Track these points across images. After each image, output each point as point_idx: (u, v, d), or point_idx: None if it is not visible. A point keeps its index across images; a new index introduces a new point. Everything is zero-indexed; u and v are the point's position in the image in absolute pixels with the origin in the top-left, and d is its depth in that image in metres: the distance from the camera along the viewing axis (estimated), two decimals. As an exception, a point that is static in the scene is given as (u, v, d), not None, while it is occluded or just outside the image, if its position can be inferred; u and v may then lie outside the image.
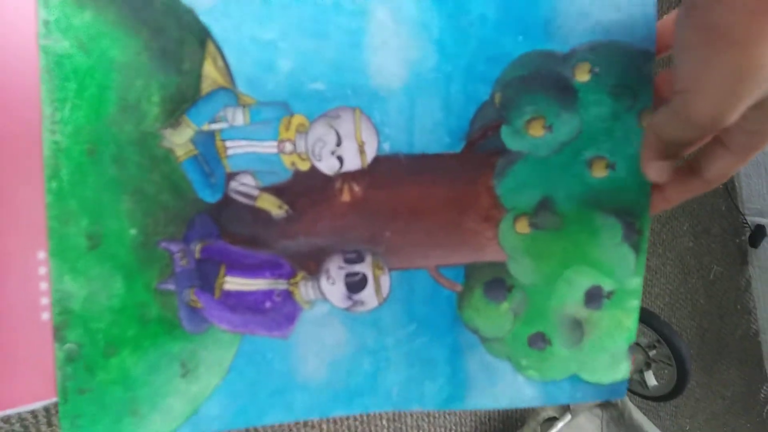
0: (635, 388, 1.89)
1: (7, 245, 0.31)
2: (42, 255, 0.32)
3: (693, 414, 2.47)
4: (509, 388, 0.38)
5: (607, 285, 0.38)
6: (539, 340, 0.38)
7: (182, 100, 0.33)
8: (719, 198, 2.44)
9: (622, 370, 0.39)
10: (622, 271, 0.37)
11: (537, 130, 0.36)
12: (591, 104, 0.36)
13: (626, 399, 1.57)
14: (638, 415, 1.54)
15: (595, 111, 0.36)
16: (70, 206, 0.32)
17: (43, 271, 0.32)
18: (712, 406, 2.58)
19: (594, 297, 0.38)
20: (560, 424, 1.44)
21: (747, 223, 2.53)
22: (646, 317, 1.64)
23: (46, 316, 0.32)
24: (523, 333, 0.38)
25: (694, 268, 2.38)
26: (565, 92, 0.35)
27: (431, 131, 0.35)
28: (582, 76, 0.35)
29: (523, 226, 0.36)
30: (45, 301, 0.32)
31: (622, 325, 0.38)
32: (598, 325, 0.38)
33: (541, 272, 0.37)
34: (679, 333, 1.80)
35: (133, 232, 0.33)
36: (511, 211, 0.36)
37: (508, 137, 0.35)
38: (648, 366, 1.81)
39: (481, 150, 0.35)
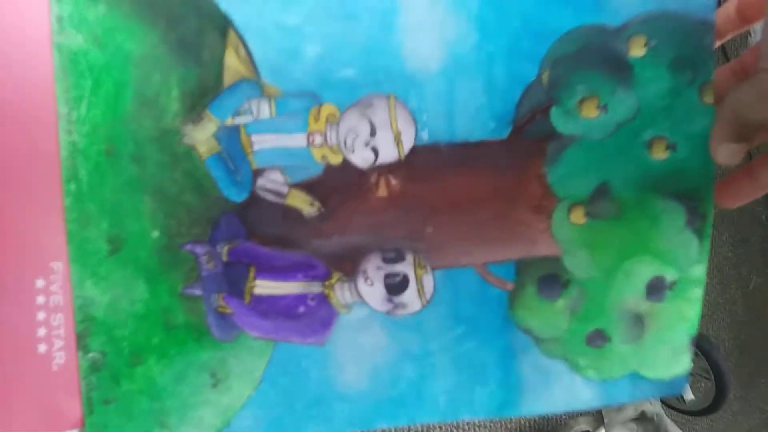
0: (672, 402, 1.85)
1: (4, 275, 0.30)
2: (40, 283, 0.30)
3: (730, 428, 2.43)
4: (565, 391, 0.35)
5: (670, 275, 0.35)
6: (598, 338, 0.35)
7: (203, 94, 0.31)
8: (759, 206, 2.42)
9: (684, 363, 0.36)
10: (686, 259, 0.34)
11: (590, 111, 0.32)
12: (648, 81, 0.33)
13: (662, 413, 1.54)
14: (674, 430, 1.51)
15: (652, 88, 0.33)
16: (89, 209, 0.30)
17: (41, 300, 0.30)
18: (750, 421, 2.54)
19: (656, 288, 0.35)
20: (594, 438, 1.40)
21: None
22: (683, 330, 1.56)
23: (42, 348, 0.30)
24: (581, 331, 0.35)
25: (733, 279, 2.35)
26: (619, 68, 0.32)
27: (474, 117, 0.32)
28: (637, 50, 0.32)
29: (578, 216, 0.33)
30: (42, 332, 0.30)
31: (684, 315, 0.35)
32: (659, 318, 0.35)
33: (598, 265, 0.34)
34: (717, 346, 1.76)
35: (155, 234, 0.31)
36: (565, 200, 0.33)
37: (558, 120, 0.32)
38: None
39: (529, 135, 0.33)
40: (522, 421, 1.55)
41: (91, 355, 0.31)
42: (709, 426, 2.29)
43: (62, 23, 0.30)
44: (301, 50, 0.31)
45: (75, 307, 0.30)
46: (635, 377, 0.35)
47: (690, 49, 0.32)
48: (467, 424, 1.38)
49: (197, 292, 0.32)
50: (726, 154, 0.31)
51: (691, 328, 0.35)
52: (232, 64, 0.31)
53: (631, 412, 1.48)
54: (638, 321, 0.35)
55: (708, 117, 0.33)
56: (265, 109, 0.31)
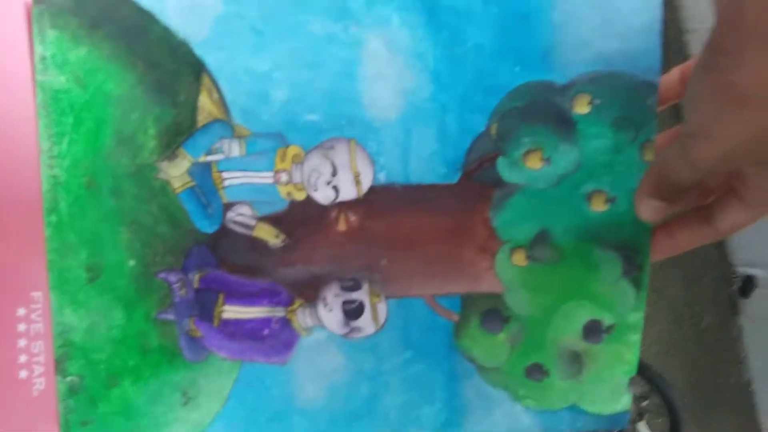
0: None
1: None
2: (22, 312, 0.32)
3: None
4: (507, 417, 0.38)
5: (607, 319, 0.37)
6: (537, 372, 0.37)
7: (178, 133, 0.33)
8: (710, 247, 2.42)
9: (623, 402, 0.38)
10: (623, 306, 0.37)
11: (534, 163, 0.35)
12: (591, 137, 0.35)
13: None
14: None
15: (594, 144, 0.35)
16: (69, 239, 0.32)
17: (22, 328, 0.32)
18: None
19: (593, 331, 0.37)
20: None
21: (736, 273, 2.53)
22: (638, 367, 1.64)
23: (23, 374, 0.32)
24: (521, 364, 0.37)
25: (686, 317, 2.40)
26: (563, 124, 0.35)
27: (427, 161, 0.35)
28: (581, 107, 0.35)
29: (519, 259, 0.36)
30: (23, 359, 0.32)
31: (622, 358, 0.37)
32: (597, 358, 0.37)
33: (538, 305, 0.37)
34: (671, 383, 1.82)
35: (131, 263, 0.33)
36: (508, 243, 0.36)
37: (504, 169, 0.35)
38: (641, 416, 1.83)
39: (477, 181, 0.35)
40: None
41: (69, 378, 0.33)
42: None
43: (45, 63, 0.31)
44: (269, 95, 0.33)
45: (54, 333, 0.32)
46: (575, 410, 0.38)
47: (633, 109, 0.35)
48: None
49: (170, 316, 0.34)
50: (647, 210, 0.33)
51: (630, 370, 0.38)
52: (206, 105, 0.33)
53: None
54: (576, 359, 0.37)
55: None
56: (235, 148, 0.34)
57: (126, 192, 0.33)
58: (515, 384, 0.37)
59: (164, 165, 0.33)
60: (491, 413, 0.38)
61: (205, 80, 0.33)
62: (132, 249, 0.33)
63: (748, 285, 2.47)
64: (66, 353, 0.33)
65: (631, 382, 0.38)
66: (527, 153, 0.35)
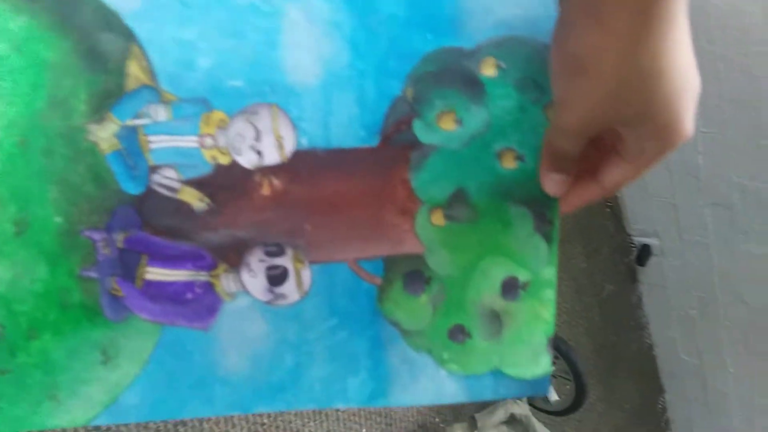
0: (538, 403, 2.00)
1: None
2: None
3: (596, 428, 2.61)
4: (431, 383, 0.37)
5: (522, 275, 0.37)
6: (459, 333, 0.37)
7: (107, 97, 0.35)
8: (607, 220, 2.63)
9: (543, 364, 0.38)
10: (536, 261, 0.37)
11: (448, 124, 0.36)
12: (498, 98, 0.36)
13: (530, 415, 1.66)
14: (542, 429, 1.64)
15: (502, 104, 0.36)
16: (1, 193, 0.34)
17: None
18: (614, 420, 2.73)
19: (510, 287, 0.37)
20: (469, 444, 1.48)
21: (634, 243, 2.74)
22: (542, 334, 1.71)
23: None
24: (443, 325, 0.37)
25: (588, 287, 2.54)
26: (472, 86, 0.36)
27: (347, 126, 0.35)
28: (488, 70, 0.36)
29: (438, 218, 0.36)
30: None
31: (539, 316, 0.38)
32: (516, 317, 0.38)
33: (457, 264, 0.37)
34: (574, 348, 1.91)
35: (58, 220, 0.34)
36: (426, 204, 0.36)
37: (420, 131, 0.36)
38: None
39: (395, 144, 0.36)
40: (402, 431, 1.57)
41: None
42: (577, 426, 2.45)
43: (-13, 32, 0.34)
44: (195, 62, 0.35)
45: (-21, 281, 0.33)
46: (498, 375, 0.38)
47: (536, 72, 0.36)
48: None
49: (93, 274, 0.35)
50: (550, 184, 0.35)
51: (547, 329, 0.38)
52: (134, 72, 0.35)
53: (501, 416, 1.59)
54: (496, 318, 0.37)
55: None
56: (161, 113, 0.35)
57: (56, 152, 0.34)
58: (439, 347, 0.37)
59: (93, 127, 0.35)
60: (416, 381, 0.37)
61: (135, 49, 0.35)
62: (59, 206, 0.34)
63: (644, 254, 2.64)
64: (-11, 303, 0.34)
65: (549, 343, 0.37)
66: (441, 115, 0.36)
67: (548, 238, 0.37)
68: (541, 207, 0.37)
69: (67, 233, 0.35)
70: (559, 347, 1.77)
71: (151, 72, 0.35)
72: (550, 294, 0.38)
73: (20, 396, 0.34)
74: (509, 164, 0.36)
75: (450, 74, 0.36)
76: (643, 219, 2.66)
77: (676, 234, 2.60)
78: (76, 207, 0.35)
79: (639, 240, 2.72)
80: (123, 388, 0.35)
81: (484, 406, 1.72)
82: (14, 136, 0.34)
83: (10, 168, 0.34)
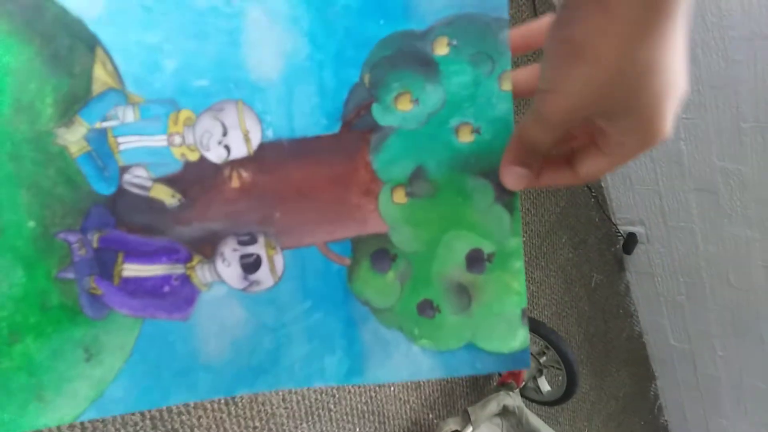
0: (530, 395, 2.02)
1: None
2: None
3: (590, 417, 2.65)
4: (405, 360, 0.39)
5: (487, 247, 0.39)
6: (428, 308, 0.39)
7: (74, 101, 0.35)
8: (592, 210, 2.64)
9: (520, 337, 0.40)
10: (499, 232, 0.39)
11: (405, 105, 0.38)
12: (452, 74, 0.38)
13: (523, 406, 1.70)
14: (535, 420, 1.66)
15: (456, 80, 0.38)
16: (-30, 202, 0.34)
17: None
18: (607, 408, 2.78)
19: (475, 260, 0.39)
20: (462, 436, 1.51)
21: (620, 232, 2.76)
22: (533, 326, 1.78)
23: None
24: (412, 301, 0.39)
25: (576, 278, 2.58)
26: (427, 66, 0.38)
27: (309, 115, 0.38)
28: (441, 49, 0.38)
29: (400, 196, 0.39)
30: None
31: (510, 288, 0.39)
32: (484, 289, 0.39)
33: (421, 239, 0.39)
34: (565, 338, 1.96)
35: (31, 224, 0.35)
36: (388, 183, 0.39)
37: (379, 114, 0.38)
38: (540, 372, 1.96)
39: (356, 129, 0.38)
40: (395, 431, 1.59)
41: None
42: (570, 416, 2.51)
43: (-54, 42, 0.34)
44: (161, 64, 0.36)
45: (-45, 288, 0.34)
46: (473, 349, 0.40)
47: (487, 45, 0.38)
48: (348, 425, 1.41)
49: (70, 275, 0.36)
50: (511, 177, 0.37)
51: (519, 300, 0.40)
52: (100, 76, 0.36)
53: (494, 408, 1.60)
54: (464, 291, 0.40)
55: (507, 103, 0.38)
56: (129, 114, 0.36)
57: (24, 157, 0.35)
58: (409, 323, 0.39)
59: (61, 131, 0.35)
60: (390, 357, 0.39)
61: (99, 53, 0.36)
62: (31, 211, 0.35)
63: (630, 242, 2.67)
64: (-33, 310, 0.34)
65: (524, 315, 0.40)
66: (398, 96, 0.38)
67: (510, 208, 0.39)
68: (499, 177, 0.39)
69: (41, 237, 0.35)
70: (549, 338, 1.79)
71: (117, 75, 0.36)
72: (517, 265, 0.39)
73: (7, 400, 0.34)
74: (466, 138, 0.39)
75: (404, 57, 0.38)
76: (628, 208, 2.68)
77: (662, 221, 2.62)
78: (49, 210, 0.35)
79: (624, 229, 2.75)
80: (108, 383, 0.36)
81: (477, 399, 1.73)
82: None
83: None
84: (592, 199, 2.64)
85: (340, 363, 0.39)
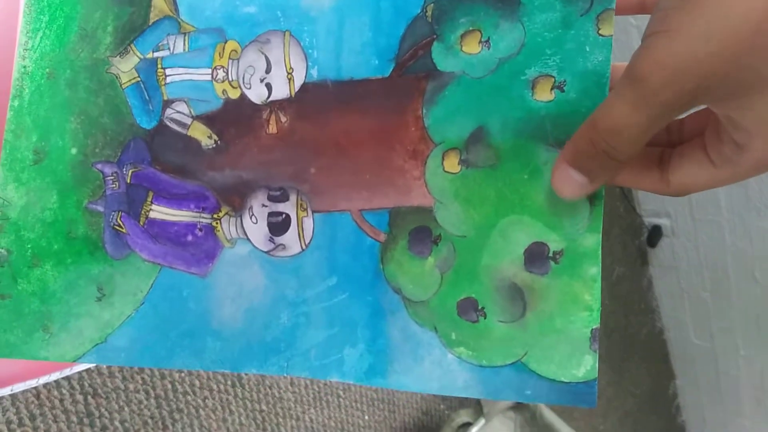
0: None
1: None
2: None
3: (606, 413, 2.49)
4: (437, 369, 0.30)
5: (554, 242, 0.29)
6: (471, 309, 0.30)
7: (132, 30, 0.34)
8: (617, 200, 2.44)
9: (587, 365, 0.28)
10: (573, 224, 0.29)
11: (472, 46, 0.30)
12: (536, 10, 0.29)
13: None
14: (550, 415, 1.52)
15: (541, 18, 0.29)
16: (25, 123, 0.34)
17: None
18: (624, 405, 2.61)
19: (537, 257, 0.29)
20: (474, 430, 1.38)
21: (644, 224, 2.56)
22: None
23: None
24: (452, 297, 0.30)
25: None
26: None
27: (359, 53, 0.31)
28: None
29: (452, 164, 0.30)
30: None
31: (579, 299, 0.28)
32: (545, 296, 0.29)
33: (471, 221, 0.30)
34: None
35: (73, 151, 0.34)
36: (440, 145, 0.30)
37: (439, 56, 0.30)
38: None
39: (410, 73, 0.31)
40: (405, 420, 1.43)
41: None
42: (586, 412, 2.33)
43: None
44: None
45: (-5, 204, 0.34)
46: (522, 369, 0.29)
47: None
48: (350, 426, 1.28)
49: (99, 208, 0.34)
50: (565, 183, 0.26)
51: (591, 318, 0.29)
52: (158, 3, 0.34)
53: (508, 401, 1.36)
54: (517, 295, 0.29)
55: (605, 53, 0.28)
56: (179, 44, 0.34)
57: (80, 84, 0.34)
58: (446, 324, 0.30)
59: (116, 60, 0.34)
60: (420, 363, 0.30)
61: (161, -20, 0.34)
62: (76, 138, 0.34)
63: (654, 235, 2.50)
64: (1, 226, 0.34)
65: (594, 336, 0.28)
66: (464, 35, 0.30)
67: (591, 195, 0.28)
68: None
69: (80, 165, 0.34)
70: None
71: (173, 2, 0.34)
72: (593, 271, 0.29)
73: (16, 323, 0.33)
74: (544, 96, 0.29)
75: None
76: (654, 199, 2.46)
77: (688, 213, 2.40)
78: (91, 139, 0.34)
79: (650, 221, 2.53)
80: (114, 328, 0.33)
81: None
82: (44, 68, 0.34)
83: (37, 98, 0.34)
84: (618, 189, 2.37)
85: (362, 358, 0.31)
